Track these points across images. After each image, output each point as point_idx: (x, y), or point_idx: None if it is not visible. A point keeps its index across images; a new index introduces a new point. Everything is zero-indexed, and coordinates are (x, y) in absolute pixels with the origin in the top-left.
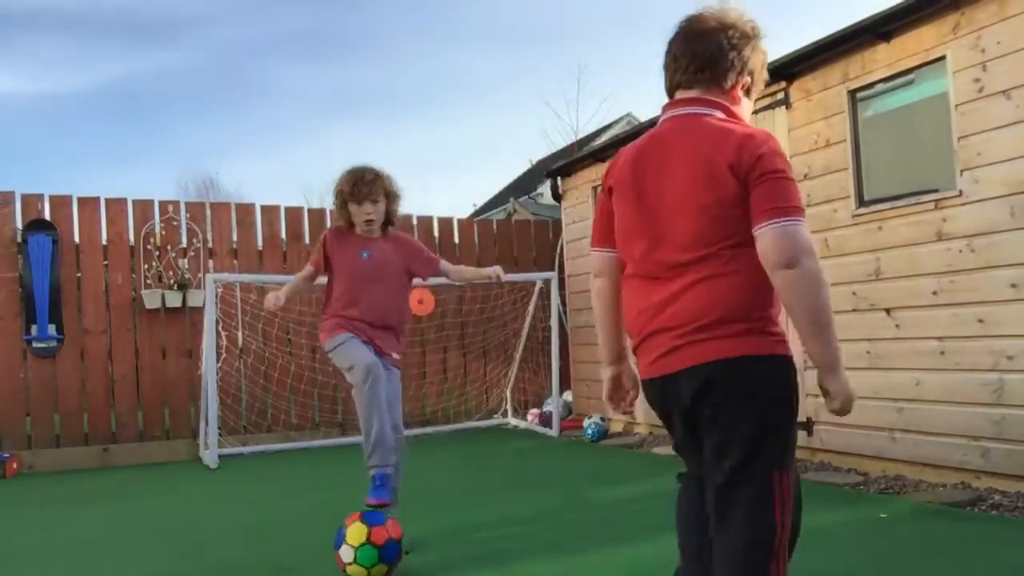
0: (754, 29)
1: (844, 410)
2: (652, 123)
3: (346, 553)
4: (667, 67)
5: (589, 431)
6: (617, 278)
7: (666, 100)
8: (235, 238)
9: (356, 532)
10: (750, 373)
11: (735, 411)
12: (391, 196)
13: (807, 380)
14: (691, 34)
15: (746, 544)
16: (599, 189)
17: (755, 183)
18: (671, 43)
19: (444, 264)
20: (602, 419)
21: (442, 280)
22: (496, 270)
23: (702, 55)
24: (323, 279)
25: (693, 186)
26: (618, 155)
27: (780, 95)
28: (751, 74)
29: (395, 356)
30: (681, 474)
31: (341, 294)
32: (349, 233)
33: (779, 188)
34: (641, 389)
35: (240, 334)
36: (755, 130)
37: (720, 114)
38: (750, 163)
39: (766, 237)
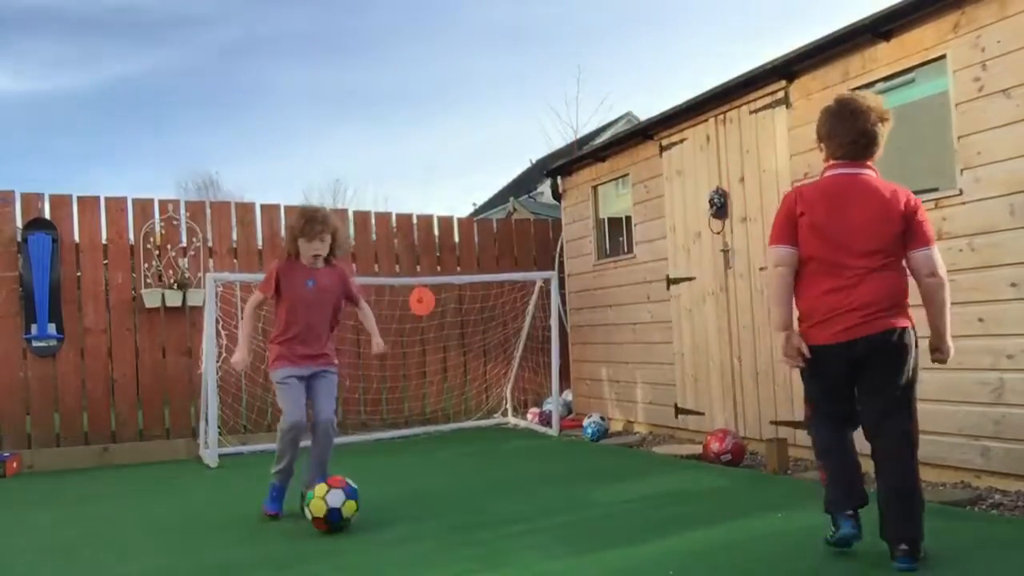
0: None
1: (948, 359)
2: (652, 122)
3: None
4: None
5: (589, 430)
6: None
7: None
8: (235, 237)
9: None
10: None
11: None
12: (336, 235)
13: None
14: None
15: (906, 428)
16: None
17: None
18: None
19: (363, 303)
20: (602, 418)
21: (442, 280)
22: (379, 346)
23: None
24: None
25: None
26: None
27: (780, 94)
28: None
29: (334, 362)
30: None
31: (286, 317)
32: (296, 263)
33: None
34: (808, 348)
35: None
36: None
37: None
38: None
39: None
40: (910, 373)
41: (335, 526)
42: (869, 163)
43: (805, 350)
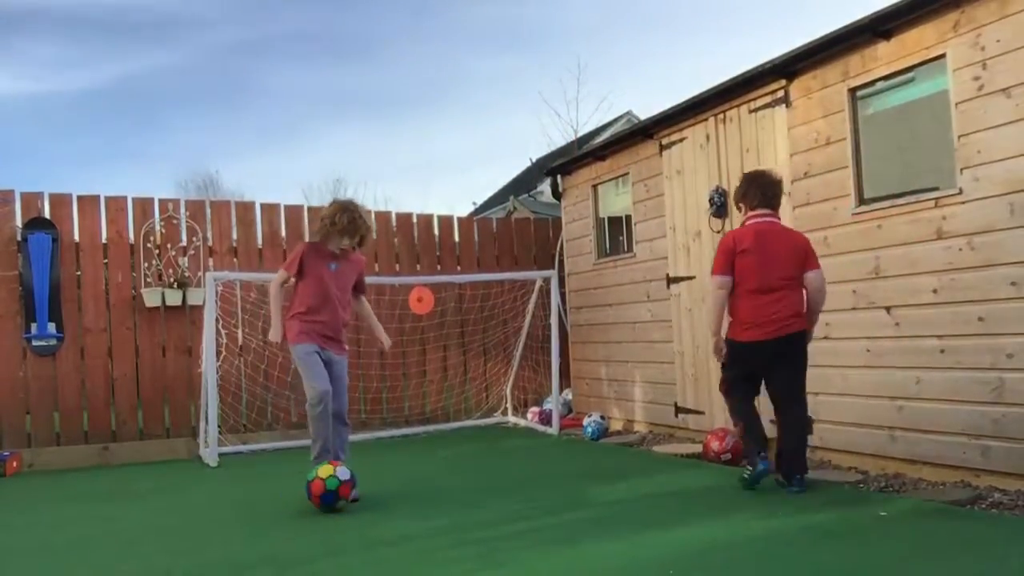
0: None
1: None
2: (652, 121)
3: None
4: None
5: (589, 429)
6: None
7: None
8: (235, 236)
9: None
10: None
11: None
12: (367, 230)
13: (806, 379)
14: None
15: (803, 414)
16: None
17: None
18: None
19: (363, 299)
20: (602, 417)
21: (442, 279)
22: (385, 341)
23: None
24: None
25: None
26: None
27: (780, 93)
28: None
29: (345, 347)
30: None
31: (311, 296)
32: (321, 248)
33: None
34: (742, 344)
35: (240, 332)
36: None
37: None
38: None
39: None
40: (806, 359)
41: (331, 496)
42: (776, 212)
43: (723, 348)
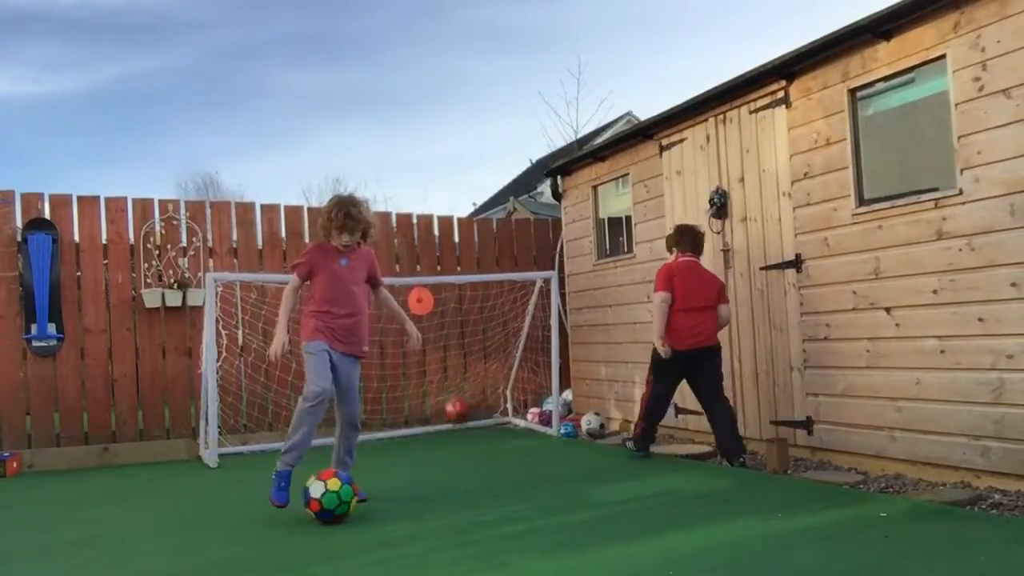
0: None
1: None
2: (652, 122)
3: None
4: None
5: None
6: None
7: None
8: (235, 237)
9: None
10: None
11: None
12: (369, 224)
13: (806, 380)
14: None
15: (721, 390)
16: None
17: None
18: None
19: (383, 290)
20: (596, 414)
21: (442, 279)
22: (415, 334)
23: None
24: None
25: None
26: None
27: (780, 94)
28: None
29: (364, 349)
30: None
31: (325, 295)
32: (328, 246)
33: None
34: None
35: (240, 333)
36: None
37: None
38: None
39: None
40: (720, 365)
41: (328, 514)
42: (699, 257)
43: (669, 350)
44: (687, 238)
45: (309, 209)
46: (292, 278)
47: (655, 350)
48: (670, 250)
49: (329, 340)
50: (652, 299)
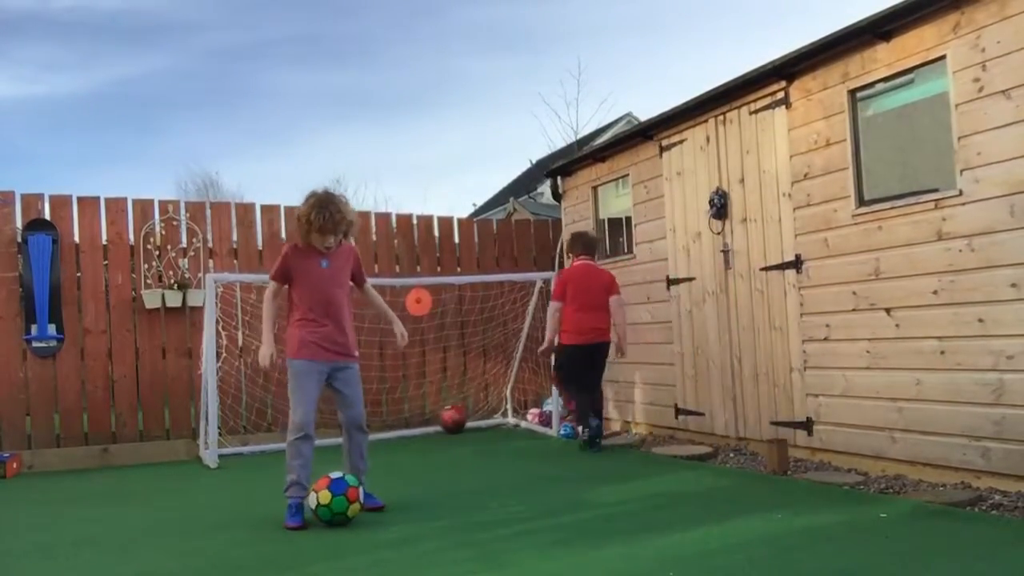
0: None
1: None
2: (652, 123)
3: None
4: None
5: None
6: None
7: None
8: (235, 238)
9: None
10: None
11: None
12: (349, 224)
13: (806, 380)
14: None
15: (600, 382)
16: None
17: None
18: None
19: (369, 287)
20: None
21: (442, 280)
22: (401, 333)
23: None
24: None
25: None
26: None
27: (780, 95)
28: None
29: (355, 353)
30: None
31: (307, 299)
32: (306, 247)
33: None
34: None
35: (240, 334)
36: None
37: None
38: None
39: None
40: (606, 360)
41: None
42: (593, 258)
43: (554, 349)
44: (579, 243)
45: None
46: (269, 284)
47: (560, 355)
48: (567, 255)
49: (316, 354)
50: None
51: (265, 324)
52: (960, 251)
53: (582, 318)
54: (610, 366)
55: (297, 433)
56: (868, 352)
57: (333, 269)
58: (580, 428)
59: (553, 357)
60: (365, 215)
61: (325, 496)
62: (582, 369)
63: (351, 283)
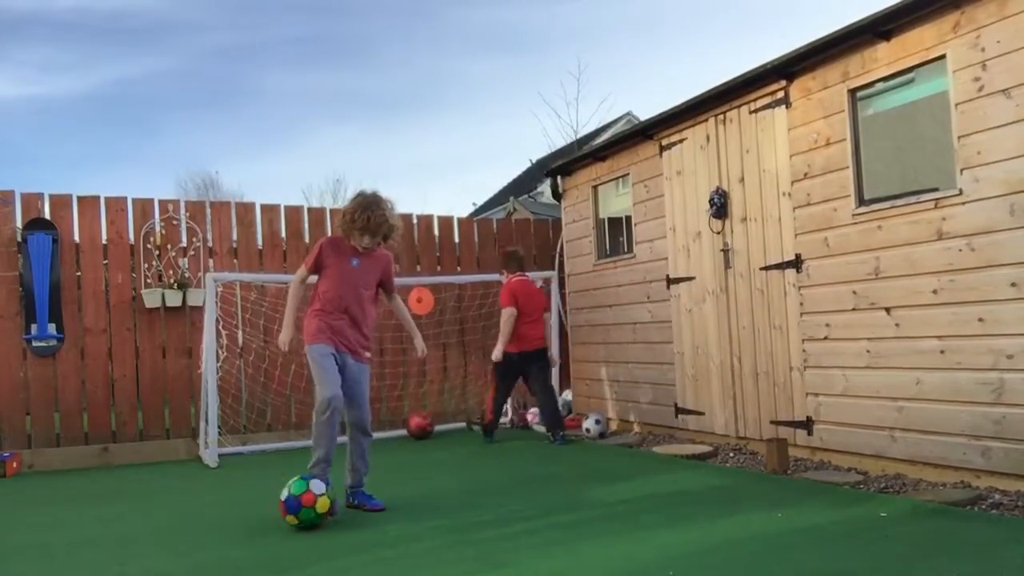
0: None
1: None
2: (652, 122)
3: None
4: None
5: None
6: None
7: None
8: (235, 237)
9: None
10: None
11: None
12: (391, 229)
13: (806, 380)
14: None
15: (550, 379)
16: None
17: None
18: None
19: (397, 297)
20: (597, 421)
21: (442, 279)
22: (421, 348)
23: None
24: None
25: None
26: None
27: (780, 94)
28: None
29: (366, 355)
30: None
31: (330, 292)
32: (344, 242)
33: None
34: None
35: (240, 333)
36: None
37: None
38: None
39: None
40: (548, 361)
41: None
42: (526, 273)
43: (501, 354)
44: (514, 261)
45: (309, 209)
46: (300, 270)
47: (505, 359)
48: (502, 272)
49: (333, 342)
50: (502, 313)
51: (289, 308)
52: (960, 250)
53: (528, 328)
54: (610, 366)
55: (324, 412)
56: (868, 351)
57: (362, 269)
58: (483, 423)
59: (525, 368)
60: None
61: (291, 519)
62: (516, 373)
63: (380, 289)
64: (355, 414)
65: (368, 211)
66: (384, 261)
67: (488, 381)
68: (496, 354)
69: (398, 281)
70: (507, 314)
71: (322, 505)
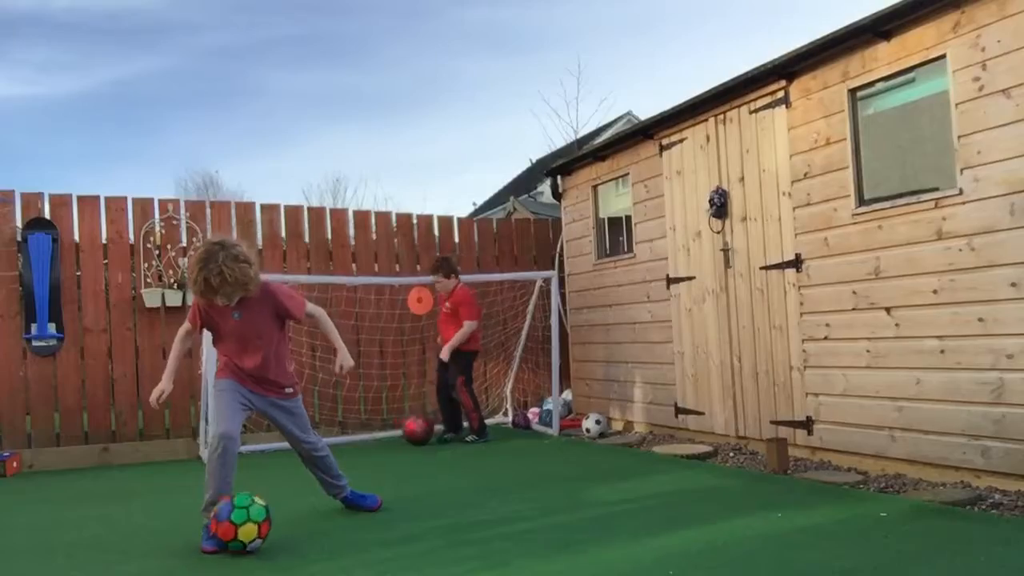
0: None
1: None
2: (652, 122)
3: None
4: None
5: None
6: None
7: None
8: (235, 236)
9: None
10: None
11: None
12: (239, 284)
13: (806, 380)
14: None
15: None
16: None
17: None
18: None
19: (310, 307)
20: (598, 420)
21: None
22: (345, 364)
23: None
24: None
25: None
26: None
27: (780, 94)
28: None
29: (287, 391)
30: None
31: (222, 348)
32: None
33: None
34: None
35: None
36: None
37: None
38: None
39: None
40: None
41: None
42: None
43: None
44: (453, 267)
45: (309, 209)
46: (184, 324)
47: (461, 360)
48: (448, 277)
49: (242, 382)
50: (467, 324)
51: (169, 362)
52: (960, 250)
53: (479, 331)
54: (611, 366)
55: (215, 449)
56: (868, 351)
57: (245, 321)
58: (472, 428)
59: (449, 368)
60: (365, 214)
61: (235, 544)
62: (470, 367)
63: (286, 320)
64: (298, 448)
65: (204, 271)
66: (271, 299)
67: (458, 391)
68: (444, 354)
69: (398, 281)
70: (476, 325)
71: (245, 533)
